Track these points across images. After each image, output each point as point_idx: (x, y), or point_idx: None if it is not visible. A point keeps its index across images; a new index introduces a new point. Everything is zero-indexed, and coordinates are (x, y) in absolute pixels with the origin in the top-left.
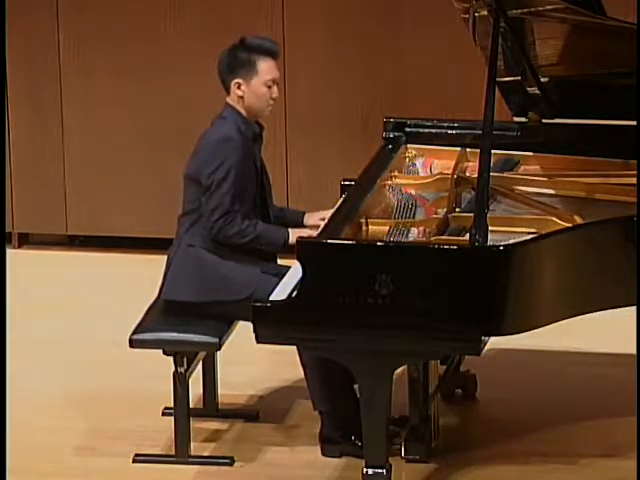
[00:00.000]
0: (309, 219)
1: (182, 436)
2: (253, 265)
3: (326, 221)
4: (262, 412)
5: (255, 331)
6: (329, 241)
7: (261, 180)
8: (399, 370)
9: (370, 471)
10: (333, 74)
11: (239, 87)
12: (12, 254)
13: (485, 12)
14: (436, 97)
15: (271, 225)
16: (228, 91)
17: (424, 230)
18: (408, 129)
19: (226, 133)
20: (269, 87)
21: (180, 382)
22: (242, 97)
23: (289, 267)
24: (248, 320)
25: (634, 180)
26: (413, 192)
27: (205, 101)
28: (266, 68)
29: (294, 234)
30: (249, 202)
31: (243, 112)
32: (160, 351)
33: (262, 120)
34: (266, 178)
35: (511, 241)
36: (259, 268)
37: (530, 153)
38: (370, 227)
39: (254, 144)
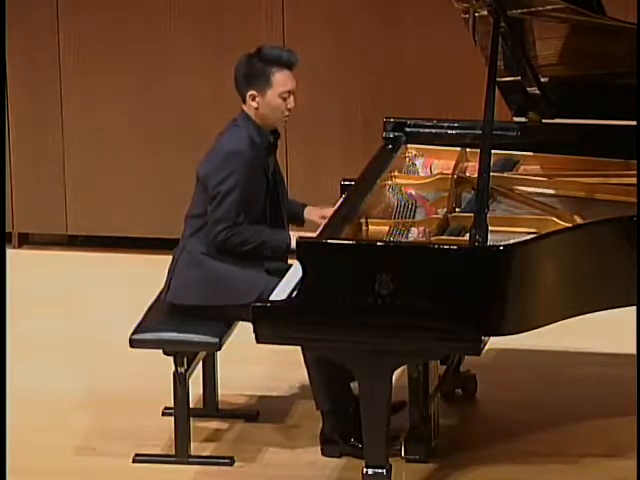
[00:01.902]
0: (310, 214)
1: (182, 436)
2: (258, 268)
3: (326, 221)
4: (262, 412)
5: (255, 331)
6: (329, 241)
7: (274, 186)
8: (399, 370)
9: (370, 471)
10: (333, 74)
11: (254, 99)
12: (12, 254)
13: (485, 12)
14: (436, 97)
15: (274, 230)
16: (244, 100)
17: (424, 230)
18: (408, 129)
19: (236, 146)
20: (284, 99)
21: (180, 382)
22: (257, 108)
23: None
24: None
25: (634, 180)
26: (413, 192)
27: (205, 101)
28: (281, 80)
29: (294, 238)
30: (257, 212)
31: (258, 122)
32: (160, 351)
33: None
34: (280, 183)
35: (511, 241)
36: (264, 270)
37: (530, 153)
38: (370, 227)
39: (266, 153)
